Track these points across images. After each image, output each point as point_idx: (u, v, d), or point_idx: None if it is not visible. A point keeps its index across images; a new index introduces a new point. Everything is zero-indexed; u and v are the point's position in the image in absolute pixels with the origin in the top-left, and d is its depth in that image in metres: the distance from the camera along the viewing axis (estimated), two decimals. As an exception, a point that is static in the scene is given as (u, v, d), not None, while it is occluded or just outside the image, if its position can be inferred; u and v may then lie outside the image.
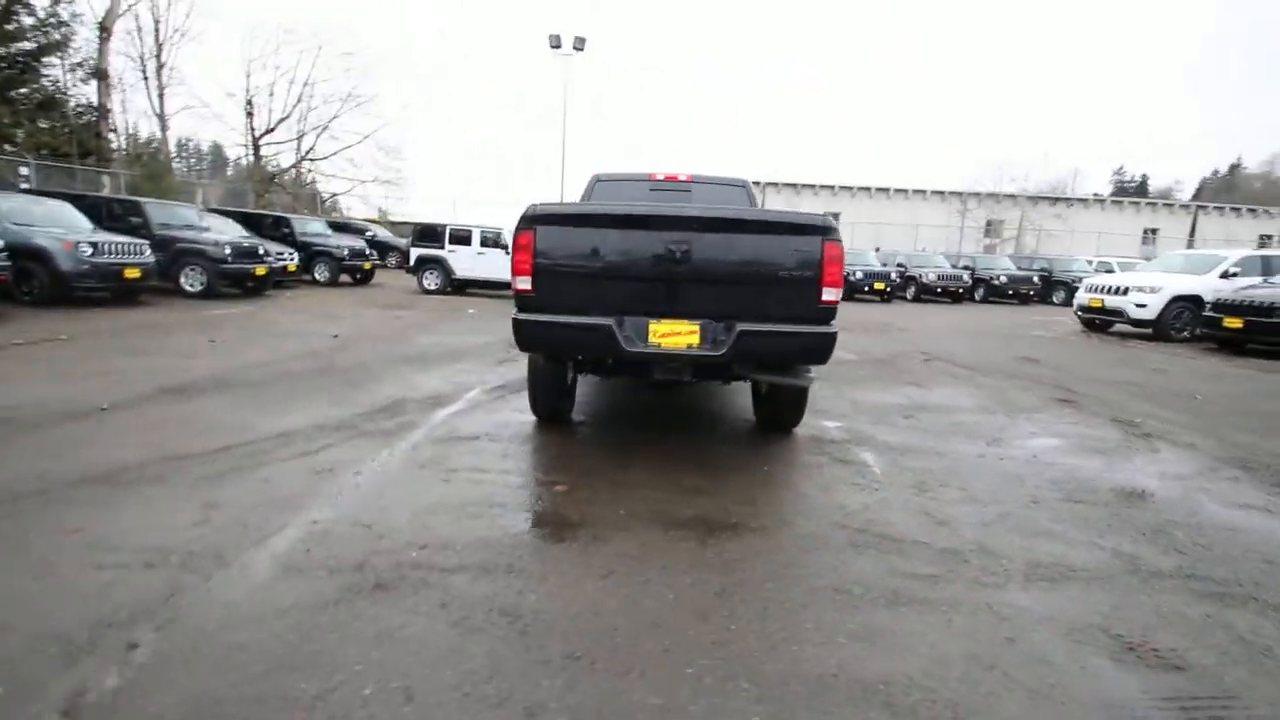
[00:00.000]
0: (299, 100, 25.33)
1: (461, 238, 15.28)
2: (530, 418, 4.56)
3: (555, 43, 25.93)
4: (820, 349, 3.57)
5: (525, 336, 3.61)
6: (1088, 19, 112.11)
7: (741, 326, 3.46)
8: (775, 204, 34.42)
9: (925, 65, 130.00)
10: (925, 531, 2.97)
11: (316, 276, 15.75)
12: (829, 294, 3.53)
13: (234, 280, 11.65)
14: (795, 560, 2.67)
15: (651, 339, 3.53)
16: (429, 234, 15.65)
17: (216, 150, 45.09)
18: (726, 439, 4.58)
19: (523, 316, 3.56)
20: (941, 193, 37.43)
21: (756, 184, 34.46)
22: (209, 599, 2.16)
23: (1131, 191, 60.90)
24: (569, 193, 24.98)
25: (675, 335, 3.54)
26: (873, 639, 2.11)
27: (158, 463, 3.39)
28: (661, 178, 5.49)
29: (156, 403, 4.59)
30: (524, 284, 3.55)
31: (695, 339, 3.52)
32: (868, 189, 36.96)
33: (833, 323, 3.60)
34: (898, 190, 37.16)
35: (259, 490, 3.12)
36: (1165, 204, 42.23)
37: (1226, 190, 57.47)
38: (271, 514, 2.83)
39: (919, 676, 1.90)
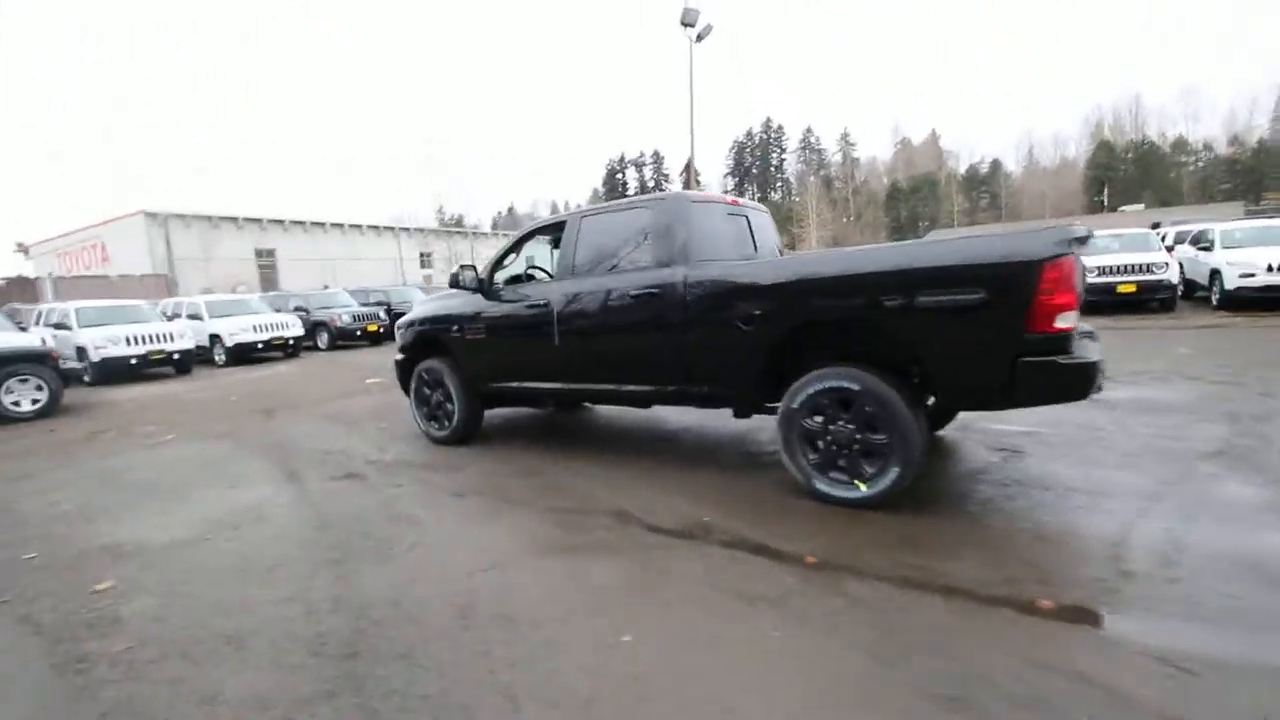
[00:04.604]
0: None
1: None
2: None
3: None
4: None
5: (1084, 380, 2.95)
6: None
7: None
8: (188, 239, 29.19)
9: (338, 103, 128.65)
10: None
11: None
12: None
13: None
14: None
15: None
16: None
17: None
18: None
19: (1068, 360, 2.90)
20: (377, 227, 38.84)
21: (154, 216, 28.66)
22: None
23: (505, 224, 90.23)
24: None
25: None
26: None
27: None
28: (729, 202, 5.17)
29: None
30: (1069, 321, 2.91)
31: None
32: (302, 223, 34.60)
33: None
34: (334, 224, 36.01)
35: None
36: (497, 233, 52.63)
37: (512, 224, 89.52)
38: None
39: None
